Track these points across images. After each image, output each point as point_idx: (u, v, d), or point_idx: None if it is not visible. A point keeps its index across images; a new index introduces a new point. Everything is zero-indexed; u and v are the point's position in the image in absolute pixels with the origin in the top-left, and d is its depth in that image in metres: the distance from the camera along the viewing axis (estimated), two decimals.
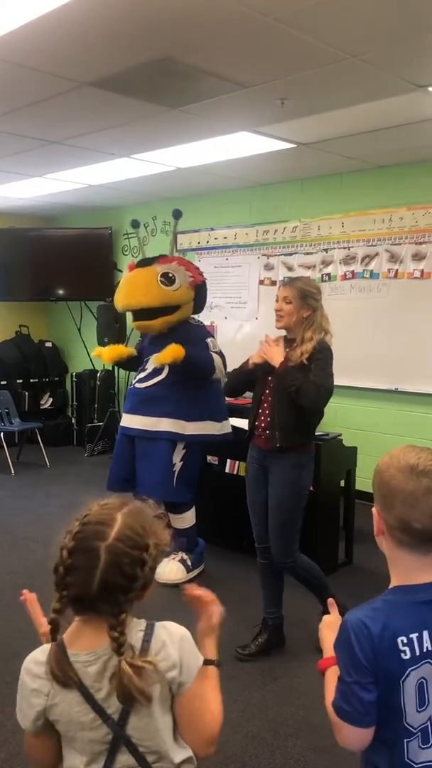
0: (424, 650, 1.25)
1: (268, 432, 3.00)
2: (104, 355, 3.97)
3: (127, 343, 6.60)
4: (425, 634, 1.26)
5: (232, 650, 3.12)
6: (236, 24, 2.65)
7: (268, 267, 5.94)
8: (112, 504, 1.31)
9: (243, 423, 4.41)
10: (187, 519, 3.94)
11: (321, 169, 5.22)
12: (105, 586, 1.22)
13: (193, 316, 3.94)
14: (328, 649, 1.35)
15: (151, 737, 1.27)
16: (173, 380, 3.72)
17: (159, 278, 3.68)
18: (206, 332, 3.94)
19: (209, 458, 4.73)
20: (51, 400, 7.91)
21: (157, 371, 3.76)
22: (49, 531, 4.81)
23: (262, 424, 3.04)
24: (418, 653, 1.25)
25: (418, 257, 4.94)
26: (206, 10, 2.55)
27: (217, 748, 2.46)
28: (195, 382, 3.75)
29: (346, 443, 4.24)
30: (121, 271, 7.10)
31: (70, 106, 3.72)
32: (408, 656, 1.24)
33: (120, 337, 6.81)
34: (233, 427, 4.15)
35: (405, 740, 1.25)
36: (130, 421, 3.86)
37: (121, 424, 3.97)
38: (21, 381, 7.60)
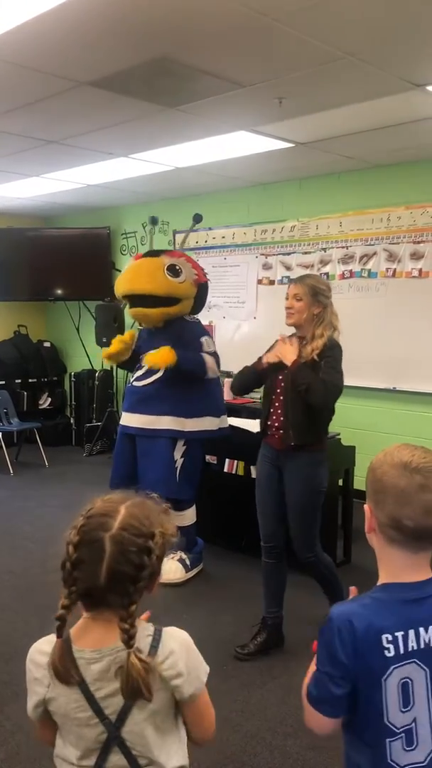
0: (410, 649, 1.25)
1: (281, 431, 3.01)
2: (108, 353, 3.96)
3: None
4: (411, 633, 1.25)
5: (231, 650, 3.12)
6: (234, 23, 2.65)
7: (267, 266, 5.94)
8: (115, 498, 1.32)
9: (241, 422, 4.43)
10: (188, 516, 3.94)
11: (319, 168, 5.22)
12: (113, 577, 1.22)
13: (192, 315, 3.95)
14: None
15: (145, 742, 1.27)
16: (170, 378, 3.73)
17: (165, 269, 3.70)
18: (202, 330, 3.92)
19: (208, 458, 4.73)
20: (49, 400, 7.90)
21: (153, 369, 3.77)
22: (47, 531, 4.86)
23: (275, 423, 3.05)
24: (402, 651, 1.24)
25: (416, 256, 4.95)
26: (204, 10, 2.55)
27: (216, 747, 2.47)
28: (191, 380, 3.76)
29: (345, 442, 4.25)
30: (120, 271, 7.10)
31: (68, 105, 3.72)
32: (392, 654, 1.24)
33: None
34: (231, 426, 4.15)
35: (387, 740, 1.24)
36: (129, 419, 3.86)
37: (120, 422, 3.97)
38: (19, 381, 7.60)
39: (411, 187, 4.97)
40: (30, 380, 7.71)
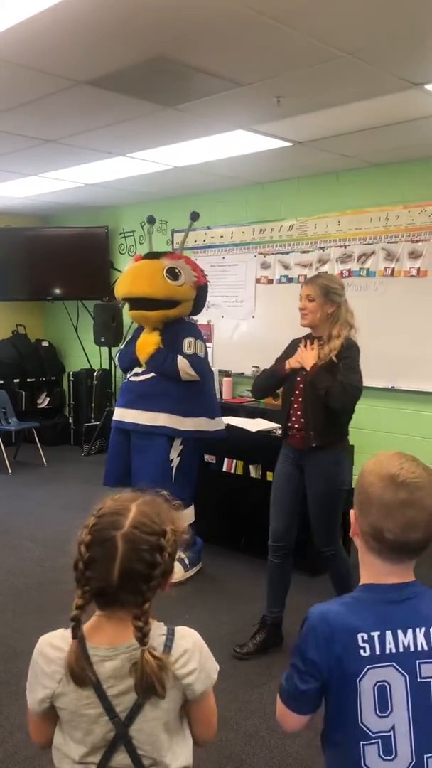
0: (387, 651, 1.24)
1: (302, 431, 3.04)
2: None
3: (123, 341, 6.60)
4: (388, 634, 1.25)
5: (230, 649, 3.12)
6: (232, 22, 2.65)
7: (265, 266, 5.94)
8: (125, 497, 1.32)
9: (239, 421, 4.43)
10: (187, 516, 3.94)
11: (317, 167, 5.22)
12: (125, 575, 1.22)
13: (191, 316, 3.95)
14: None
15: (152, 741, 1.27)
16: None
17: (165, 272, 3.71)
18: (192, 331, 3.89)
19: (207, 457, 4.74)
20: (48, 399, 7.90)
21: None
22: (46, 531, 4.86)
23: (296, 425, 3.08)
24: (378, 652, 1.24)
25: (414, 255, 4.94)
26: (202, 8, 2.55)
27: (215, 746, 2.47)
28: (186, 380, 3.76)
29: None
30: (118, 270, 7.10)
31: (65, 104, 3.71)
32: (367, 654, 1.23)
33: (117, 337, 6.81)
34: (230, 425, 4.15)
35: (361, 743, 1.23)
36: (125, 415, 3.85)
37: (114, 418, 3.95)
38: (18, 380, 7.59)
39: (409, 186, 4.96)
40: (28, 380, 7.70)
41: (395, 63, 3.07)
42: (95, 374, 7.45)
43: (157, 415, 3.74)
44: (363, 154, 4.82)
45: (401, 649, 1.24)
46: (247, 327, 6.14)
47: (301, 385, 3.04)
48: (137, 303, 3.80)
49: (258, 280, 6.01)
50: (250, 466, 4.63)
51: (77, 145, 4.61)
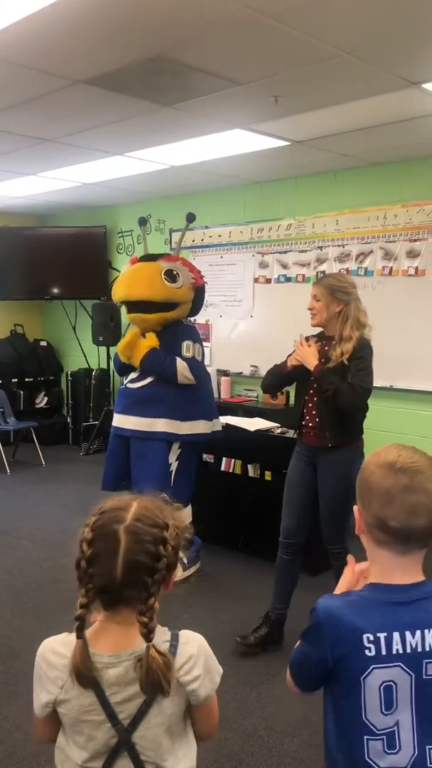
0: (393, 652, 1.23)
1: (317, 431, 3.05)
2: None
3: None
4: (395, 635, 1.24)
5: (228, 648, 3.12)
6: (229, 21, 2.65)
7: (263, 265, 5.94)
8: (126, 496, 1.32)
9: (237, 421, 4.43)
10: (184, 516, 3.94)
11: (315, 166, 5.22)
12: (129, 569, 1.21)
13: (189, 318, 3.95)
14: (339, 588, 1.39)
15: (156, 747, 1.27)
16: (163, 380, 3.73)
17: (163, 274, 3.69)
18: (190, 334, 3.87)
19: (205, 456, 4.74)
20: (46, 399, 7.89)
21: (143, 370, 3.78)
22: (44, 530, 4.85)
23: (310, 423, 3.09)
24: (384, 653, 1.23)
25: (412, 254, 4.95)
26: (200, 8, 2.55)
27: (213, 746, 2.47)
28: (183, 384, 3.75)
29: None
30: (117, 270, 7.09)
31: (63, 103, 3.71)
32: (372, 654, 1.23)
33: (115, 336, 6.81)
34: (228, 425, 4.15)
35: (365, 737, 1.24)
36: (123, 421, 3.84)
37: (113, 424, 3.95)
38: (16, 380, 7.58)
39: (407, 185, 4.97)
40: (26, 379, 7.69)
41: (393, 62, 3.07)
42: (93, 374, 7.45)
43: (155, 421, 3.73)
44: (361, 154, 4.82)
45: (408, 650, 1.24)
46: (245, 326, 6.14)
47: (315, 384, 3.05)
48: (135, 306, 3.78)
49: (256, 280, 6.01)
50: (249, 466, 4.63)
51: (75, 145, 4.61)
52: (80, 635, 1.24)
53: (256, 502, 4.29)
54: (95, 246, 7.19)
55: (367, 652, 1.23)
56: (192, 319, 4.00)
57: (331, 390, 2.93)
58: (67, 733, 1.30)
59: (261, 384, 3.45)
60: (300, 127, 4.12)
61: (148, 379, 3.78)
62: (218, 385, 5.94)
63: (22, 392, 7.60)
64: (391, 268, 5.07)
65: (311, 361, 2.99)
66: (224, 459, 4.81)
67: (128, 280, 3.81)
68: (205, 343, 4.26)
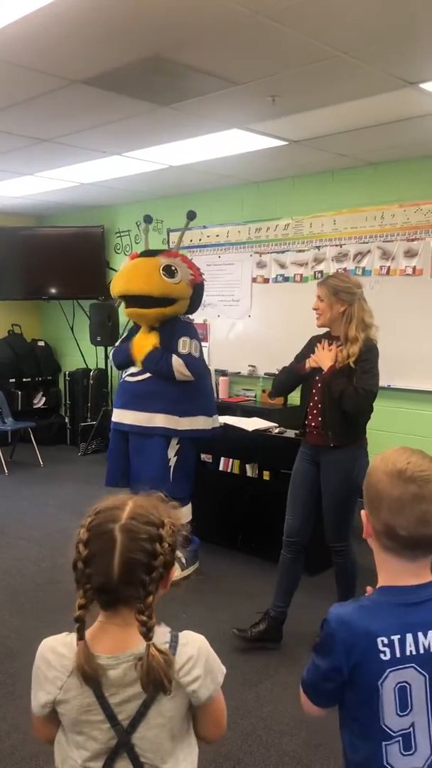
0: (407, 653, 1.23)
1: (321, 430, 3.07)
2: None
3: (120, 340, 6.59)
4: (408, 637, 1.24)
5: (227, 648, 3.12)
6: (227, 21, 2.65)
7: (261, 265, 5.94)
8: (121, 496, 1.31)
9: (235, 420, 4.43)
10: (183, 514, 3.94)
11: (312, 166, 5.22)
12: (126, 567, 1.21)
13: (187, 315, 3.95)
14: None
15: (155, 749, 1.26)
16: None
17: (161, 270, 3.70)
18: (188, 330, 3.89)
19: (203, 456, 4.74)
20: (44, 399, 7.88)
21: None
22: (42, 531, 4.85)
23: (313, 422, 3.11)
24: (399, 655, 1.23)
25: (410, 254, 4.95)
26: (197, 8, 2.55)
27: (212, 745, 2.47)
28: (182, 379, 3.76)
29: None
30: (114, 270, 7.09)
31: (60, 103, 3.71)
32: (387, 657, 1.23)
33: (113, 336, 6.80)
34: (226, 424, 4.15)
35: (383, 743, 1.24)
36: (122, 416, 3.86)
37: (112, 419, 3.96)
38: (14, 380, 7.57)
39: (404, 185, 4.97)
40: (24, 379, 7.68)
41: (390, 62, 3.07)
42: (91, 374, 7.44)
43: (153, 416, 3.75)
44: (358, 153, 4.82)
45: (422, 651, 1.24)
46: (243, 326, 6.14)
47: (320, 385, 3.07)
48: (133, 301, 3.79)
49: (254, 279, 6.01)
50: (247, 465, 4.64)
51: (73, 145, 4.61)
52: (81, 636, 1.23)
53: (255, 502, 4.30)
54: (93, 246, 7.19)
55: (382, 655, 1.22)
56: (190, 316, 4.01)
57: (338, 393, 2.96)
58: (67, 733, 1.30)
59: (273, 385, 3.47)
60: (297, 126, 4.12)
61: (147, 374, 3.80)
62: (216, 384, 5.94)
63: (19, 392, 7.60)
64: (389, 267, 5.07)
65: (327, 363, 3.04)
66: (222, 459, 4.82)
67: (127, 274, 3.83)
68: (203, 343, 4.26)
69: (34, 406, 7.78)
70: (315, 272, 5.51)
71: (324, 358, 3.06)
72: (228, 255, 6.19)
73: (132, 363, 3.89)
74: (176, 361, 3.72)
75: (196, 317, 4.12)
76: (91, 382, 7.40)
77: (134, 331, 3.99)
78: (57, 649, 1.28)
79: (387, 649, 1.22)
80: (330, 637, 1.25)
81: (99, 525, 1.24)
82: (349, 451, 3.05)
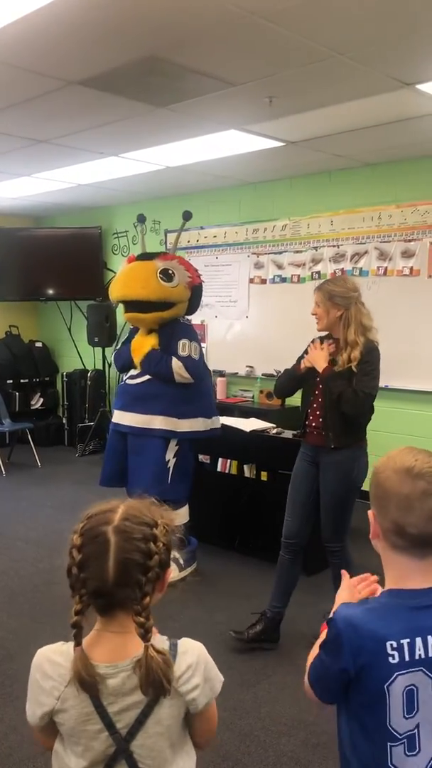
0: (416, 657, 1.22)
1: (322, 431, 3.08)
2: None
3: (117, 342, 6.59)
4: (418, 641, 1.23)
5: (224, 648, 3.12)
6: (223, 22, 2.65)
7: (258, 265, 5.95)
8: (111, 500, 1.31)
9: (233, 421, 4.43)
10: (181, 515, 3.94)
11: (310, 167, 5.22)
12: (121, 568, 1.20)
13: (186, 317, 3.95)
14: (339, 601, 1.37)
15: (154, 756, 1.25)
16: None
17: (158, 273, 3.70)
18: (187, 332, 3.88)
19: (201, 457, 4.74)
20: (42, 400, 7.88)
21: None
22: (40, 532, 4.84)
23: (313, 423, 3.12)
24: (407, 659, 1.22)
25: (407, 254, 4.96)
26: (193, 9, 2.55)
27: (210, 747, 2.47)
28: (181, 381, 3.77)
29: None
30: (112, 271, 7.09)
31: (57, 104, 3.71)
32: (396, 661, 1.22)
33: (111, 337, 6.80)
34: (224, 425, 4.15)
35: (389, 744, 1.23)
36: (121, 417, 3.86)
37: (112, 420, 3.97)
38: (11, 381, 7.57)
39: (402, 186, 4.98)
40: (22, 380, 7.68)
41: (387, 63, 3.08)
42: (89, 375, 7.44)
43: (152, 418, 3.75)
44: (355, 154, 4.83)
45: (430, 654, 1.23)
46: (241, 327, 6.15)
47: (321, 386, 3.08)
48: (132, 305, 3.80)
49: (251, 280, 6.01)
50: (245, 466, 4.64)
51: (69, 146, 4.61)
52: (78, 642, 1.22)
53: (252, 503, 4.30)
54: (90, 247, 7.19)
55: (390, 659, 1.21)
56: (188, 317, 4.01)
57: (336, 394, 2.97)
58: (65, 742, 1.29)
59: (274, 388, 3.47)
60: (294, 127, 4.13)
61: (147, 376, 3.80)
62: (214, 385, 5.94)
63: (17, 393, 7.59)
64: (386, 268, 5.08)
65: (321, 364, 3.04)
66: (220, 459, 4.82)
67: (124, 279, 3.83)
68: (201, 344, 4.26)
69: (32, 407, 7.77)
70: (312, 273, 5.52)
71: (317, 358, 3.06)
72: (225, 256, 6.19)
73: (133, 365, 3.89)
74: (176, 364, 3.73)
75: (194, 318, 4.12)
76: (89, 382, 7.40)
77: (134, 333, 3.99)
78: (53, 659, 1.26)
79: (396, 653, 1.21)
80: (337, 638, 1.24)
81: (92, 528, 1.24)
82: (349, 452, 3.06)
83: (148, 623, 1.20)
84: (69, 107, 3.76)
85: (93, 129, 4.20)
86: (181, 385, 3.76)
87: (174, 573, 3.85)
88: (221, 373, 6.14)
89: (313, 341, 3.19)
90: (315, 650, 1.33)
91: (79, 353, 7.66)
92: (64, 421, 7.71)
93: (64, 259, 7.23)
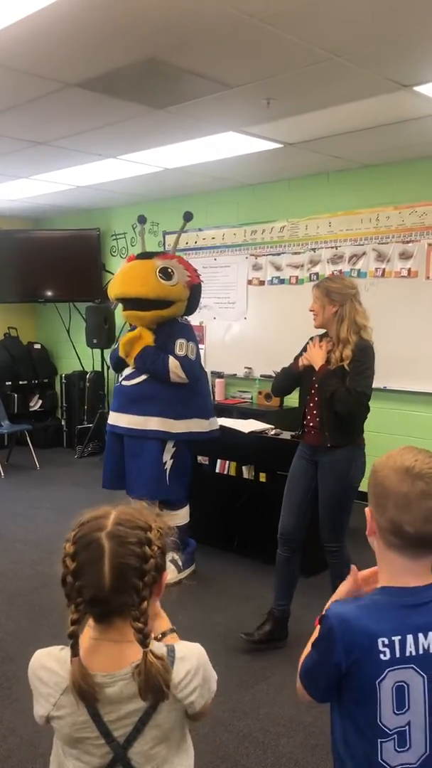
0: (407, 654, 1.23)
1: (319, 430, 3.08)
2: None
3: (116, 343, 6.59)
4: (409, 638, 1.24)
5: (223, 649, 3.12)
6: (222, 24, 2.66)
7: (257, 267, 5.95)
8: (102, 507, 1.29)
9: (231, 423, 4.43)
10: (181, 516, 3.94)
11: (308, 168, 5.23)
12: (117, 574, 1.18)
13: (184, 316, 3.95)
14: (338, 594, 1.38)
15: (152, 760, 1.25)
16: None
17: (158, 272, 3.71)
18: (186, 332, 3.88)
19: (199, 458, 4.74)
20: (40, 402, 7.88)
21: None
22: (39, 534, 4.84)
23: (311, 422, 3.13)
24: (398, 656, 1.23)
25: (405, 256, 4.97)
26: (192, 11, 2.56)
27: (208, 747, 2.46)
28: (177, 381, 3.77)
29: None
30: (110, 272, 7.09)
31: (56, 107, 3.71)
32: (387, 657, 1.23)
33: (109, 339, 6.80)
34: (222, 426, 4.15)
35: (379, 740, 1.24)
36: (117, 419, 3.86)
37: (108, 422, 3.96)
38: (10, 383, 7.57)
39: (399, 187, 4.99)
40: (20, 382, 7.68)
41: (384, 65, 3.09)
42: (87, 376, 7.44)
43: (148, 419, 3.74)
44: (353, 156, 4.83)
45: (421, 651, 1.24)
46: (239, 328, 6.15)
47: (317, 385, 3.08)
48: (130, 303, 3.81)
49: (250, 282, 6.02)
50: (243, 467, 4.64)
51: (68, 148, 4.61)
52: (75, 653, 1.20)
53: (251, 504, 4.30)
54: (89, 248, 7.19)
55: (381, 656, 1.22)
56: (187, 317, 4.01)
57: (329, 393, 2.97)
58: (64, 748, 1.29)
59: (272, 386, 3.48)
60: (292, 129, 4.14)
61: (142, 377, 3.79)
62: (212, 386, 5.95)
63: (16, 395, 7.59)
64: (384, 269, 5.09)
65: (318, 362, 3.05)
66: (219, 461, 4.81)
67: (123, 277, 3.84)
68: (199, 345, 4.26)
69: (31, 409, 7.77)
70: (310, 274, 5.53)
71: (315, 356, 3.07)
72: (224, 257, 6.20)
73: (127, 365, 3.89)
74: (172, 363, 3.73)
75: (192, 319, 4.12)
76: (88, 384, 7.40)
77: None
78: (49, 666, 1.25)
79: (387, 650, 1.23)
80: (330, 633, 1.25)
81: (84, 536, 1.22)
82: (347, 451, 3.06)
83: (147, 629, 1.19)
84: (68, 109, 3.77)
85: (92, 131, 4.21)
86: (177, 385, 3.75)
87: (173, 574, 3.85)
88: (220, 375, 6.14)
89: (312, 339, 3.19)
90: (308, 649, 1.33)
91: (77, 355, 7.66)
92: (63, 422, 7.71)
93: (62, 261, 7.23)
